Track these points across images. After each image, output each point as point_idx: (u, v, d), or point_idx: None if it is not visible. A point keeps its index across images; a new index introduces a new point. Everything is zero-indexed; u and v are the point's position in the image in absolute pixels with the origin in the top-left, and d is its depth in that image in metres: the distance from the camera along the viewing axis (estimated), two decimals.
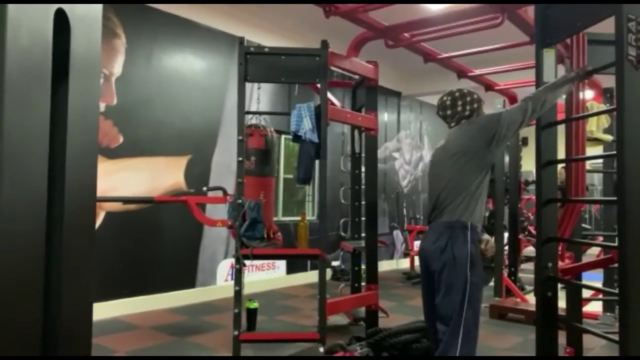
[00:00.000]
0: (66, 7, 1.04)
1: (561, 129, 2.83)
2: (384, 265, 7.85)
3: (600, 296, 4.14)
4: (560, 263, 2.96)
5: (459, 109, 2.49)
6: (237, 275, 3.53)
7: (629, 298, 2.03)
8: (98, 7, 1.25)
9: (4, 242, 0.83)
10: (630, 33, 2.04)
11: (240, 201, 3.56)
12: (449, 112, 2.53)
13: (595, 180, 8.60)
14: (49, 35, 1.00)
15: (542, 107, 2.37)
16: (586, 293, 4.22)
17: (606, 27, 2.22)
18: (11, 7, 0.83)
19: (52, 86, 1.04)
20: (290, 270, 6.62)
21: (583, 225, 9.32)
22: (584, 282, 3.18)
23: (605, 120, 3.27)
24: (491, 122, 2.38)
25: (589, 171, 3.59)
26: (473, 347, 2.34)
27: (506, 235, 5.94)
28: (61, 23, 1.04)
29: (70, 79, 1.10)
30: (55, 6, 1.00)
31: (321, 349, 2.99)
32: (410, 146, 9.40)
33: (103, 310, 4.41)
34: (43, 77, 0.99)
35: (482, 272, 2.38)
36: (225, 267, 5.76)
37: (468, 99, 2.50)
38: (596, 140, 3.24)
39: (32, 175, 0.94)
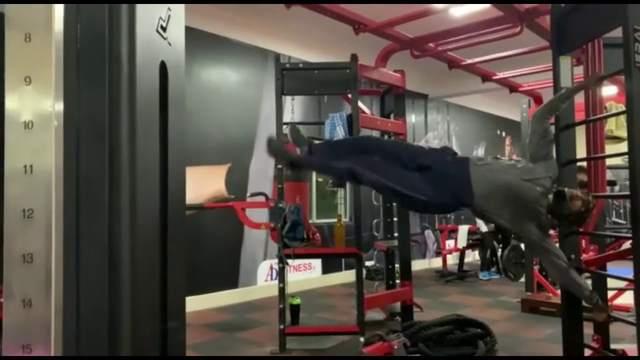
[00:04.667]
0: (166, 58, 1.37)
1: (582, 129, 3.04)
2: (417, 265, 8.04)
3: (624, 285, 4.25)
4: (584, 255, 3.15)
5: None
6: (281, 274, 3.83)
7: None
8: (182, 57, 1.60)
9: (142, 228, 1.14)
10: (637, 42, 2.25)
11: (281, 205, 3.86)
12: None
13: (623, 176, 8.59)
14: (157, 80, 1.33)
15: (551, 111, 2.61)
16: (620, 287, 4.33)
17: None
18: (139, 64, 1.15)
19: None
20: (326, 270, 6.90)
21: (617, 219, 9.29)
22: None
23: (624, 119, 3.42)
24: None
25: (616, 167, 3.74)
26: None
27: None
28: (163, 70, 1.37)
29: (170, 110, 1.44)
30: (160, 58, 1.33)
31: (361, 339, 3.25)
32: (438, 147, 9.55)
33: None
34: (154, 110, 1.32)
35: None
36: (265, 268, 6.09)
37: None
38: (616, 139, 3.40)
39: (151, 180, 1.26)
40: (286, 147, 3.16)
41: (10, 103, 0.94)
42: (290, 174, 4.14)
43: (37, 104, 0.95)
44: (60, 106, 0.98)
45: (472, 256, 8.66)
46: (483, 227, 7.33)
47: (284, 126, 4.09)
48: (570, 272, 2.60)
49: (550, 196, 2.60)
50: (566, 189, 2.56)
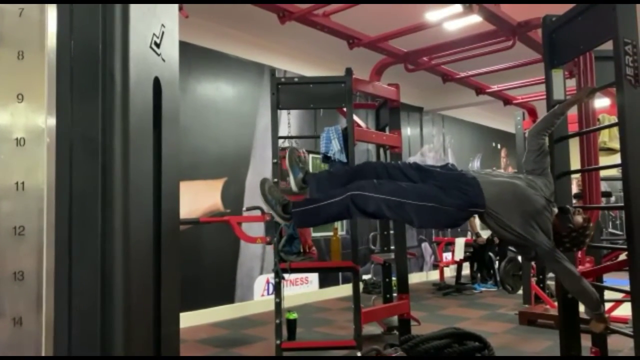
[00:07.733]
0: (160, 75, 1.37)
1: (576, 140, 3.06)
2: (414, 278, 8.02)
3: (621, 297, 4.25)
4: (580, 267, 3.14)
5: None
6: (277, 288, 3.80)
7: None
8: (176, 73, 1.60)
9: (135, 240, 1.13)
10: (627, 55, 2.28)
11: None
12: None
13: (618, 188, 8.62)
14: (150, 97, 1.33)
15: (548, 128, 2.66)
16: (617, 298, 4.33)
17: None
18: (132, 81, 1.15)
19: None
20: (323, 284, 6.86)
21: (613, 231, 9.31)
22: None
23: (617, 131, 3.45)
24: None
25: (611, 179, 3.76)
26: None
27: None
28: (156, 87, 1.37)
29: (163, 126, 1.44)
30: (154, 74, 1.33)
31: (358, 354, 3.23)
32: (434, 160, 9.59)
33: None
34: (148, 126, 1.32)
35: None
36: (261, 282, 6.05)
37: None
38: (610, 150, 3.42)
39: (145, 197, 1.26)
40: (279, 191, 2.89)
41: (1, 120, 0.93)
42: (288, 187, 4.12)
43: (29, 120, 0.95)
44: (52, 123, 0.98)
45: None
46: (482, 234, 7.33)
47: (280, 140, 4.11)
48: (582, 281, 2.59)
49: (555, 210, 2.60)
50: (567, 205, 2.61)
